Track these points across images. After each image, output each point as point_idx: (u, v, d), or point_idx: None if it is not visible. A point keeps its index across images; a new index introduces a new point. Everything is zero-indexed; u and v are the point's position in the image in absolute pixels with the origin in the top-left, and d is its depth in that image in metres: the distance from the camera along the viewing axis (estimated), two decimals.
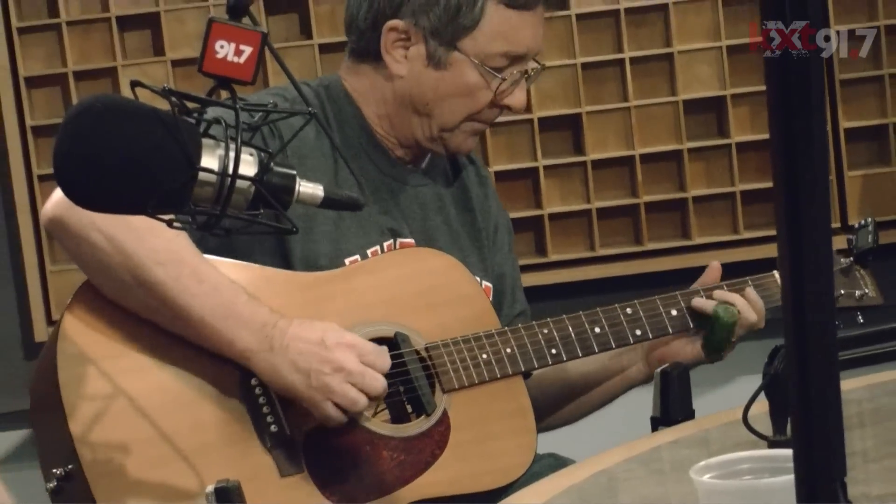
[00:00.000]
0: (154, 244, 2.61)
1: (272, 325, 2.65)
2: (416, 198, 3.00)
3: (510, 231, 3.22)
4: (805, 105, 1.47)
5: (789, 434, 2.28)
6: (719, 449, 2.10)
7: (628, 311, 2.94)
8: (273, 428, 2.69)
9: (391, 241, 2.92)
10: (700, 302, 2.96)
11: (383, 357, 2.70)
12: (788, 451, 1.57)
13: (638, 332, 2.94)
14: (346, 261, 2.86)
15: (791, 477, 1.54)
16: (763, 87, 4.54)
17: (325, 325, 2.69)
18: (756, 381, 2.37)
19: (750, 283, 3.03)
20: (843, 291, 3.03)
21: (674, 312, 2.96)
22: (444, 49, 2.89)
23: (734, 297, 2.97)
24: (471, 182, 3.12)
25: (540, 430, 2.92)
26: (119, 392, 2.61)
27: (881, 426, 2.53)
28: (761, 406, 2.34)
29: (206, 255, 2.68)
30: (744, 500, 1.71)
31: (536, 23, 2.94)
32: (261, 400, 2.70)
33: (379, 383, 2.66)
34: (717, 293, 2.97)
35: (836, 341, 1.53)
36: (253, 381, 2.69)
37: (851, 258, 3.03)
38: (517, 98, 2.94)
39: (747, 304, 2.97)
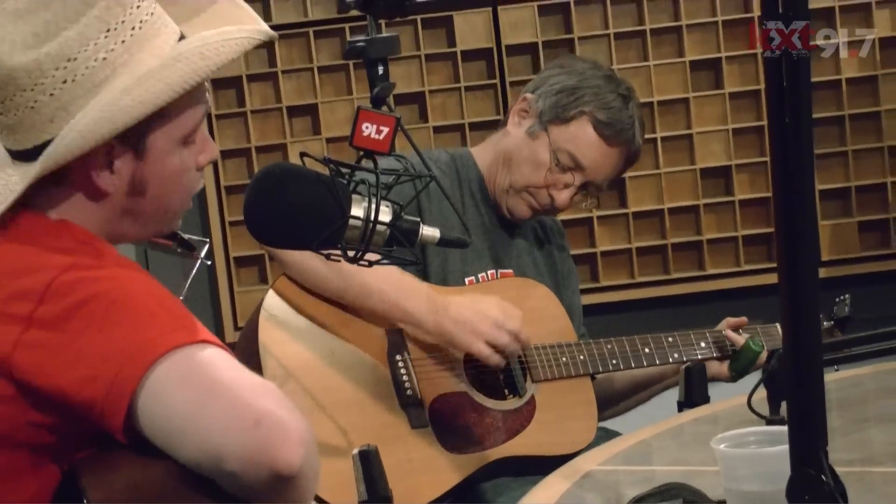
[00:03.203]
0: None
1: (433, 295, 2.66)
2: (514, 243, 2.99)
3: (576, 275, 3.20)
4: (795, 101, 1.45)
5: (782, 414, 2.26)
6: (729, 426, 2.06)
7: (670, 339, 2.91)
8: (408, 392, 2.69)
9: (495, 269, 2.92)
10: (733, 335, 2.93)
11: (517, 317, 2.68)
12: (783, 428, 1.55)
13: (675, 356, 2.91)
14: (466, 280, 2.86)
15: (786, 447, 1.52)
16: (759, 159, 4.49)
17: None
18: (754, 376, 2.34)
19: (759, 330, 3.00)
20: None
21: (702, 344, 2.92)
22: (539, 126, 2.88)
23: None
24: (553, 236, 3.10)
25: (602, 419, 2.92)
26: (301, 359, 2.64)
27: (848, 410, 2.50)
28: (760, 394, 2.31)
29: None
30: (751, 463, 1.68)
31: (607, 154, 2.88)
32: (402, 370, 2.69)
33: (517, 321, 2.66)
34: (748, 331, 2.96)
35: (821, 347, 1.51)
36: (397, 357, 2.70)
37: (832, 322, 2.95)
38: (561, 197, 2.88)
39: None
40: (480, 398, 2.75)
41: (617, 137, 2.88)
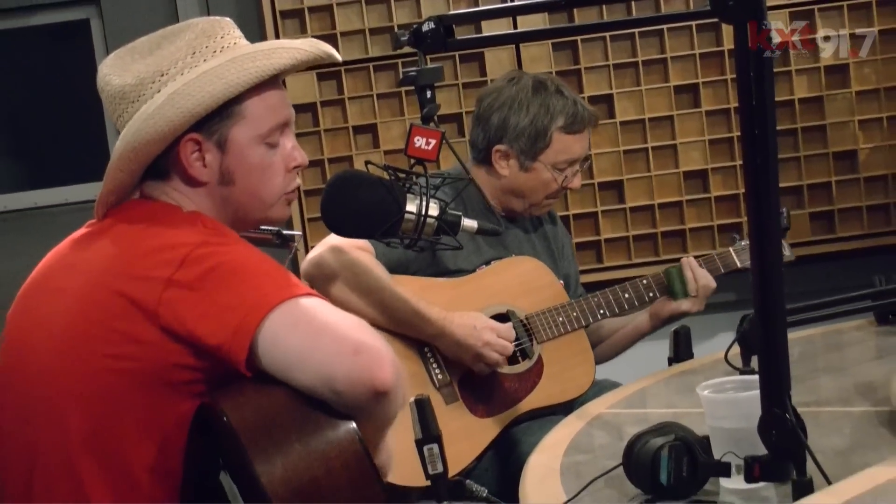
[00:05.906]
0: (375, 280, 2.64)
1: (443, 318, 2.66)
2: (514, 236, 2.98)
3: (572, 245, 3.20)
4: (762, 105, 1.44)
5: (753, 366, 2.25)
6: (710, 376, 2.05)
7: (644, 282, 2.90)
8: (439, 376, 2.69)
9: (504, 257, 2.90)
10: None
11: (510, 331, 2.70)
12: (755, 377, 1.54)
13: (651, 295, 2.91)
14: (477, 270, 2.85)
15: (758, 392, 1.51)
16: (730, 163, 4.42)
17: (475, 314, 2.69)
18: (729, 336, 2.33)
19: (701, 261, 2.95)
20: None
21: None
22: (528, 161, 2.86)
23: (699, 272, 2.90)
24: (545, 221, 3.09)
25: (597, 360, 2.92)
26: None
27: (803, 362, 2.49)
28: (734, 350, 2.30)
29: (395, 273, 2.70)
30: (730, 406, 1.68)
31: (585, 138, 2.90)
32: (430, 359, 2.70)
33: (509, 349, 2.68)
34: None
35: (785, 312, 1.50)
36: (425, 349, 2.70)
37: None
38: (575, 183, 2.92)
39: (708, 276, 2.90)
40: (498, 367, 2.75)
41: (583, 123, 2.88)
